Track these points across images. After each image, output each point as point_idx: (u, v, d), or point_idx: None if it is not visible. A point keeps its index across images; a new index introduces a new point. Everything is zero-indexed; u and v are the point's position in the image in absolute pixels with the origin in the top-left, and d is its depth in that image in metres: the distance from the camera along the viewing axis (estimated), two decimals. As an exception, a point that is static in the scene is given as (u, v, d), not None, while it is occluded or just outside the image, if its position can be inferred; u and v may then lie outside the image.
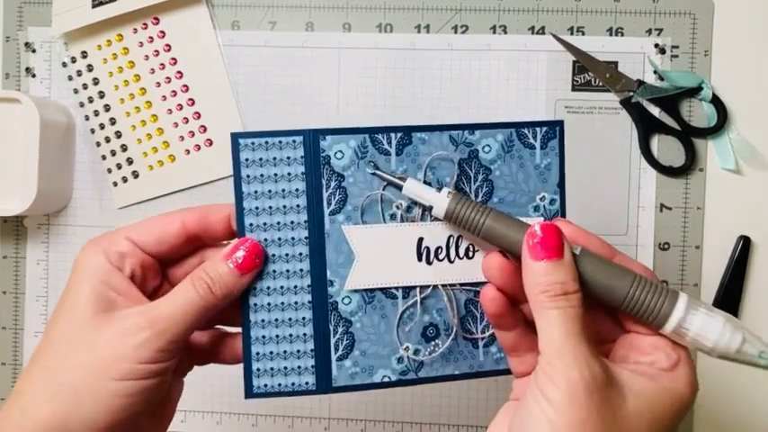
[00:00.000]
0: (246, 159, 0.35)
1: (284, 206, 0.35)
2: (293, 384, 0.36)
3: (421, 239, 0.36)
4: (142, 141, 0.57)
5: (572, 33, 0.55)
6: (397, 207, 0.36)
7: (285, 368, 0.36)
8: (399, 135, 0.36)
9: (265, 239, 0.35)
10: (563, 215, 0.37)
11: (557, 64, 0.55)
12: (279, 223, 0.35)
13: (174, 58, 0.57)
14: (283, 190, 0.35)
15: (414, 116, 0.56)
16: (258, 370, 0.36)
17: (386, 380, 0.36)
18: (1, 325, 0.58)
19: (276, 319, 0.36)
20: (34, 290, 0.58)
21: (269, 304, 0.36)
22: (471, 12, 0.55)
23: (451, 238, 0.36)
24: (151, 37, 0.57)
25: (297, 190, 0.35)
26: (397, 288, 0.36)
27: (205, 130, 0.57)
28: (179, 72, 0.57)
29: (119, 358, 0.31)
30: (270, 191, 0.35)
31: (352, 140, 0.35)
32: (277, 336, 0.36)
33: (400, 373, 0.36)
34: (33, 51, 0.58)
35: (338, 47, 0.56)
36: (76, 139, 0.58)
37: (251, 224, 0.35)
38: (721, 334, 0.30)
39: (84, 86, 0.57)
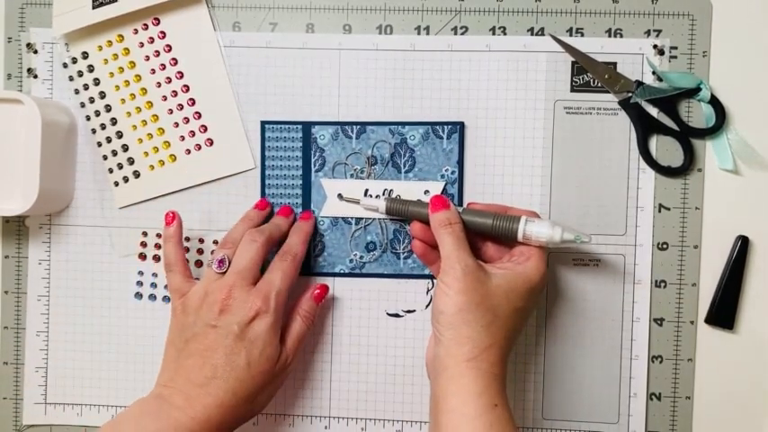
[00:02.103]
0: (268, 137, 0.56)
1: (288, 165, 0.57)
2: None
3: (367, 189, 0.56)
4: (143, 141, 0.57)
5: (571, 34, 0.56)
6: (355, 170, 0.56)
7: None
8: (358, 127, 0.56)
9: (277, 184, 0.57)
10: (460, 182, 0.56)
11: (556, 65, 0.55)
12: (285, 175, 0.57)
13: (174, 59, 0.57)
14: (288, 156, 0.56)
15: (413, 117, 0.56)
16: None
17: (341, 271, 0.57)
18: (3, 324, 0.59)
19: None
20: (36, 290, 0.59)
21: None
22: (471, 13, 0.56)
23: (386, 190, 0.56)
24: (152, 38, 0.57)
25: (296, 156, 0.56)
26: (351, 218, 0.56)
27: (206, 130, 0.57)
28: (180, 72, 0.57)
29: None
30: (281, 156, 0.57)
31: (330, 129, 0.56)
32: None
33: (350, 268, 0.57)
34: (35, 52, 0.58)
35: (338, 48, 0.56)
36: (78, 140, 0.58)
37: (269, 174, 0.57)
38: (547, 232, 0.48)
39: (86, 87, 0.58)
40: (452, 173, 0.56)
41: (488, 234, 0.51)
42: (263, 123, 0.56)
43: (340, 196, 0.56)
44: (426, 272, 0.56)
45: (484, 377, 0.45)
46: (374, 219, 0.56)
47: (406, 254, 0.56)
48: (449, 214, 0.50)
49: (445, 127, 0.55)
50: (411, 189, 0.56)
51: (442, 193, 0.55)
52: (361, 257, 0.56)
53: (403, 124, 0.56)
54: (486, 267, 0.49)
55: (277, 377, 0.51)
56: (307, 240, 0.55)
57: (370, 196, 0.56)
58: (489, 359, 0.45)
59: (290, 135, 0.56)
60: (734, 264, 0.55)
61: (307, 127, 0.56)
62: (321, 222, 0.56)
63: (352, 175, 0.56)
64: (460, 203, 0.56)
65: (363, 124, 0.56)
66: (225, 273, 0.51)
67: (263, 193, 0.57)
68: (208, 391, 0.47)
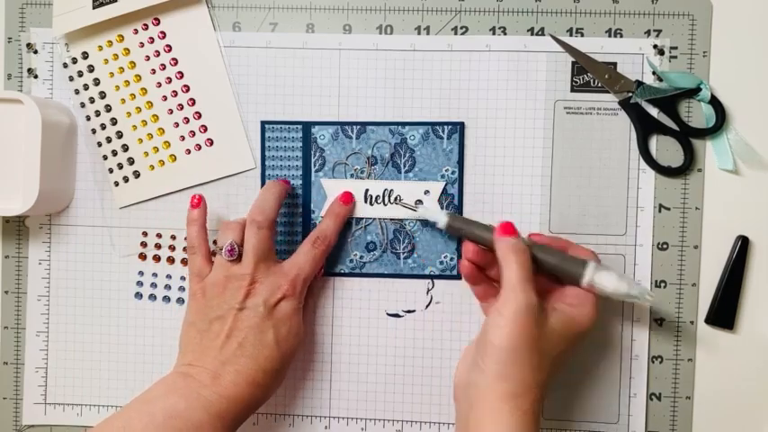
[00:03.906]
0: (268, 136, 0.56)
1: (288, 165, 0.57)
2: None
3: (367, 189, 0.56)
4: (143, 141, 0.58)
5: (571, 34, 0.56)
6: (355, 170, 0.56)
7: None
8: (358, 127, 0.56)
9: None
10: (460, 182, 0.56)
11: (556, 65, 0.55)
12: (285, 175, 0.57)
13: (174, 59, 0.57)
14: (289, 156, 0.57)
15: (413, 117, 0.56)
16: None
17: (342, 271, 0.57)
18: (3, 324, 0.59)
19: (279, 231, 0.57)
20: (36, 290, 0.59)
21: (278, 222, 0.56)
22: (471, 13, 0.56)
23: (386, 190, 0.56)
24: (152, 38, 0.57)
25: (296, 156, 0.57)
26: (351, 218, 0.56)
27: (206, 130, 0.57)
28: (180, 72, 0.57)
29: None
30: (281, 156, 0.57)
31: (330, 129, 0.56)
32: (280, 240, 0.57)
33: (351, 268, 0.57)
34: (35, 52, 0.58)
35: (339, 48, 0.56)
36: (78, 140, 0.58)
37: (269, 175, 0.57)
38: (614, 284, 0.47)
39: (86, 87, 0.58)
40: (452, 173, 0.56)
41: (548, 271, 0.49)
42: (263, 123, 0.57)
43: (398, 199, 0.56)
44: (426, 272, 0.56)
45: (523, 417, 0.44)
46: (374, 219, 0.56)
47: (405, 254, 0.56)
48: (519, 242, 0.48)
49: (445, 127, 0.55)
50: (411, 189, 0.56)
51: (442, 193, 0.56)
52: (362, 257, 0.56)
53: (403, 124, 0.56)
54: (546, 306, 0.47)
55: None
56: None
57: (371, 197, 0.56)
58: (530, 399, 0.44)
59: (290, 135, 0.56)
60: (734, 264, 0.55)
61: (307, 127, 0.56)
62: (320, 222, 0.56)
63: (352, 175, 0.56)
64: (461, 204, 0.56)
65: (363, 124, 0.56)
66: (236, 259, 0.51)
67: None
68: (237, 368, 0.47)
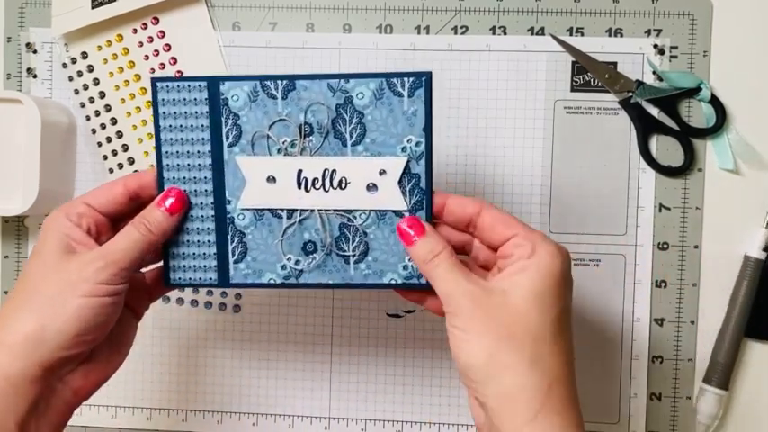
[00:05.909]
0: (163, 99, 0.42)
1: (192, 138, 0.42)
2: (200, 279, 0.43)
3: (300, 171, 0.41)
4: (143, 141, 0.57)
5: (571, 34, 0.55)
6: (283, 143, 0.41)
7: (194, 266, 0.43)
8: (285, 82, 0.41)
9: (178, 165, 0.42)
10: (428, 157, 0.41)
11: (556, 65, 0.55)
12: (188, 152, 0.42)
13: (174, 58, 0.57)
14: (191, 125, 0.42)
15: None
16: (174, 266, 0.43)
17: (272, 281, 0.43)
18: (3, 324, 0.59)
19: (186, 228, 0.43)
20: (36, 289, 0.58)
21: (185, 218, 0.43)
22: (471, 13, 0.56)
23: (326, 171, 0.41)
24: (151, 37, 0.57)
25: (202, 126, 0.42)
26: (281, 209, 0.42)
27: (205, 130, 0.57)
28: (179, 72, 0.57)
29: (83, 280, 0.39)
30: (181, 126, 0.42)
31: (245, 86, 0.41)
32: (187, 240, 0.43)
33: (284, 277, 0.43)
34: (35, 52, 0.58)
35: (338, 48, 0.56)
36: (78, 140, 0.58)
37: (167, 152, 0.42)
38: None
39: (85, 87, 0.58)
40: (417, 144, 0.41)
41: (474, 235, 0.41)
42: (154, 81, 0.42)
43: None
44: (385, 280, 0.42)
45: None
46: (312, 210, 0.42)
47: (357, 257, 0.42)
48: (430, 243, 0.39)
49: (405, 80, 0.40)
50: (361, 168, 0.41)
51: (403, 173, 0.41)
52: (297, 262, 0.43)
53: (347, 77, 0.41)
54: (493, 285, 0.38)
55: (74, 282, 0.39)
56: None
57: (306, 180, 0.41)
58: (556, 406, 0.35)
59: (190, 96, 0.42)
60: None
61: (213, 84, 0.42)
62: (241, 216, 0.43)
63: (279, 151, 0.42)
64: (429, 187, 0.42)
65: (292, 78, 0.41)
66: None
67: (160, 177, 0.43)
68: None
